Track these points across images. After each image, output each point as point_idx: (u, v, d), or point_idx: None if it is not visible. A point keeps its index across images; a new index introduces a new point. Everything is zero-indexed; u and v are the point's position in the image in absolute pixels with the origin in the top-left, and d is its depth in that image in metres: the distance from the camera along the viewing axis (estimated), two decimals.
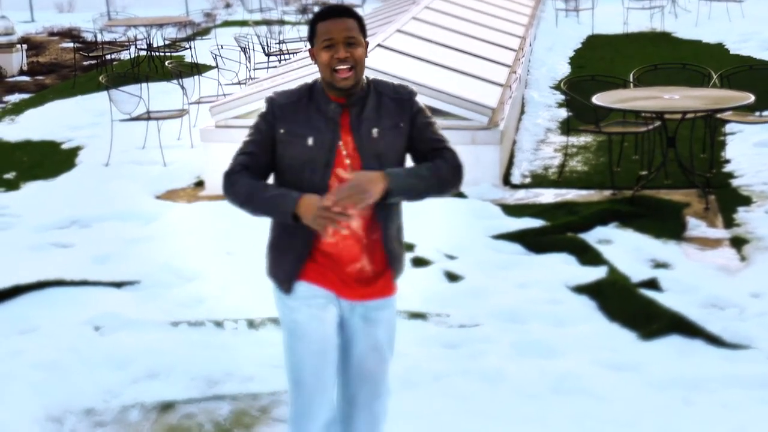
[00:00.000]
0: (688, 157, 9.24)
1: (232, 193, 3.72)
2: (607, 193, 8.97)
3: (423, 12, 13.08)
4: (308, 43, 3.81)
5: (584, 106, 9.17)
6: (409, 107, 3.81)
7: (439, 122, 8.54)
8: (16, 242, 8.23)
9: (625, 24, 18.96)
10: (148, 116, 10.61)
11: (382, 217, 3.77)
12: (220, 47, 13.01)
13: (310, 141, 3.68)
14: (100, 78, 11.11)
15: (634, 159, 9.78)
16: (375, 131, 3.71)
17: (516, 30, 13.76)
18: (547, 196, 9.01)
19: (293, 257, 3.78)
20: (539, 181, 9.49)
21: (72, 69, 16.92)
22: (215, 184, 9.24)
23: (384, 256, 3.83)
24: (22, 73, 17.15)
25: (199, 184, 9.69)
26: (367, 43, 3.77)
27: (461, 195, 8.76)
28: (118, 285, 7.11)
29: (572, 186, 9.26)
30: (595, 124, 9.23)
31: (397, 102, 3.79)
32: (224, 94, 11.25)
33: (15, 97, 14.95)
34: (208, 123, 9.63)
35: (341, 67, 3.64)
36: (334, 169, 3.70)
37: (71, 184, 9.95)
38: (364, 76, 3.79)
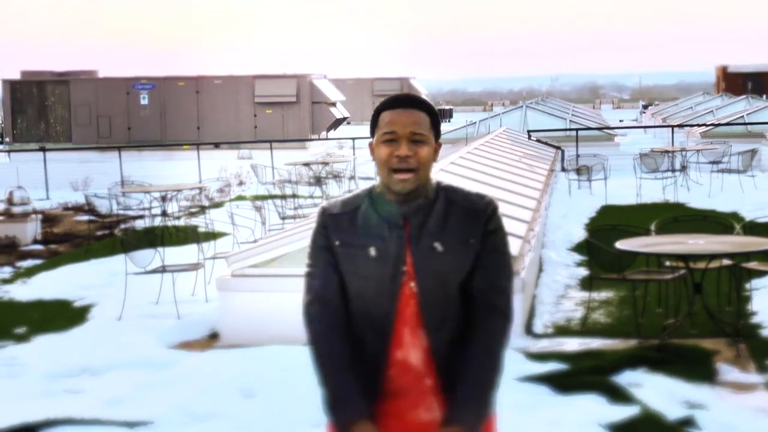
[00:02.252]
0: (714, 307, 9.04)
1: (311, 337, 3.26)
2: (632, 342, 8.73)
3: (438, 173, 13.11)
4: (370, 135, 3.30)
5: (607, 254, 9.03)
6: (484, 221, 3.21)
7: None
8: (25, 389, 8.01)
9: (638, 195, 19.02)
10: (162, 269, 10.49)
11: (440, 353, 3.21)
12: (236, 206, 13.01)
13: (372, 251, 3.17)
14: (116, 231, 11.04)
15: (658, 312, 9.56)
16: (438, 245, 3.16)
17: (531, 193, 13.77)
18: (572, 344, 8.76)
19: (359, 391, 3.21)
20: (562, 331, 9.27)
21: (86, 238, 16.91)
22: (231, 334, 9.07)
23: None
24: (35, 242, 17.13)
25: (214, 336, 9.46)
26: (439, 145, 3.26)
27: None
28: (131, 425, 6.85)
29: (596, 335, 9.03)
30: (618, 272, 9.07)
31: (469, 212, 3.21)
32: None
33: (28, 263, 14.86)
34: (225, 273, 9.50)
35: (400, 167, 3.14)
36: (404, 284, 3.18)
37: (82, 336, 9.76)
38: (433, 181, 3.27)
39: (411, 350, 3.20)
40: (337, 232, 3.22)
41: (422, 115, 3.20)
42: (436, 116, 3.26)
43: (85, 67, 35.20)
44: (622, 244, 8.73)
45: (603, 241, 9.40)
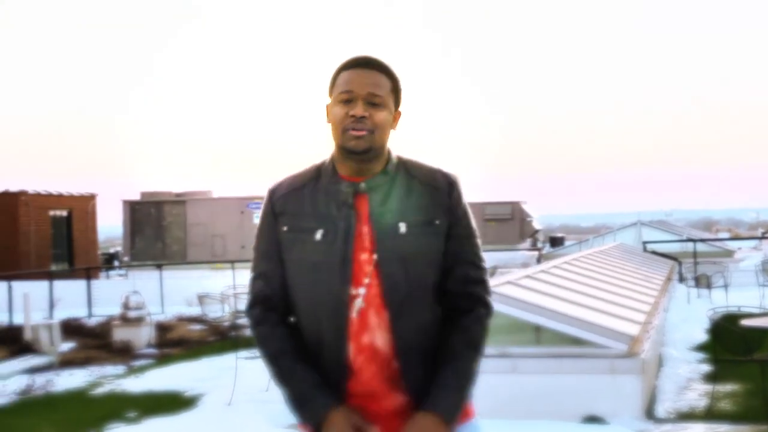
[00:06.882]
0: None
1: (257, 341, 3.04)
2: (763, 428, 8.27)
3: (552, 269, 12.89)
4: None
5: (733, 335, 8.66)
6: (446, 197, 2.98)
7: (574, 350, 7.98)
8: None
9: (761, 306, 18.35)
10: None
11: (404, 338, 2.94)
12: None
13: (318, 235, 2.92)
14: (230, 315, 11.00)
15: None
16: (403, 226, 2.92)
17: (648, 291, 13.43)
18: (697, 429, 8.34)
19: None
20: (686, 417, 8.84)
21: (199, 343, 17.00)
22: None
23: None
24: (149, 346, 17.25)
25: None
26: (398, 114, 3.02)
27: (601, 421, 8.19)
28: None
29: (723, 421, 8.58)
30: (744, 353, 8.66)
31: (430, 190, 2.97)
32: None
33: (141, 362, 14.96)
34: None
35: (355, 127, 2.89)
36: (355, 268, 2.90)
37: (192, 418, 9.72)
38: (393, 155, 3.02)
39: (377, 333, 2.93)
40: (285, 216, 2.99)
41: (382, 78, 2.96)
42: (398, 83, 3.01)
43: (200, 188, 35.77)
44: (749, 322, 8.36)
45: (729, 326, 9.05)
